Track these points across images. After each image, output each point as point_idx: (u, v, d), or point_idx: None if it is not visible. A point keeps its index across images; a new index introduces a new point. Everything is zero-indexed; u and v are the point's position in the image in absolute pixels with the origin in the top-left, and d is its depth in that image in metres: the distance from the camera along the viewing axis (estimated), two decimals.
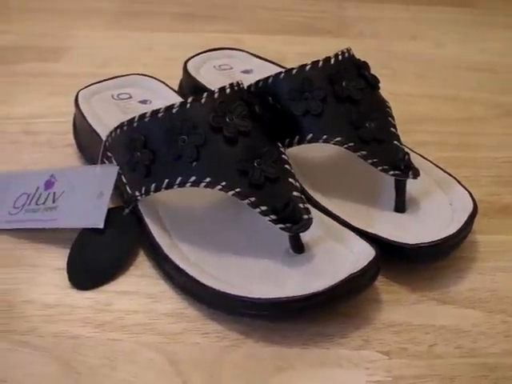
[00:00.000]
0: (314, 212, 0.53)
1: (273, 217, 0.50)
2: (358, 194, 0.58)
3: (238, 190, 0.50)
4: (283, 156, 0.53)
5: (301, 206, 0.50)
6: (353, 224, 0.54)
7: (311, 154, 0.63)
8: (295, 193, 0.51)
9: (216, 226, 0.56)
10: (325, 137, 0.56)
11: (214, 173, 0.50)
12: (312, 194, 0.58)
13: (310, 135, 0.56)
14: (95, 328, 0.49)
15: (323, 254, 0.51)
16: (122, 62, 0.85)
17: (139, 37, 0.93)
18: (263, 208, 0.50)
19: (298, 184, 0.52)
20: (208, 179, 0.50)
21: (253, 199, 0.50)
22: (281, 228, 0.50)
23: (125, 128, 0.54)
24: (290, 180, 0.52)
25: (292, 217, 0.50)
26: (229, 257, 0.52)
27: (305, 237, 0.52)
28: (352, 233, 0.52)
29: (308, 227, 0.50)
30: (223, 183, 0.50)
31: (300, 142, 0.57)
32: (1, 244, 0.56)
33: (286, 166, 0.52)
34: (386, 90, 0.60)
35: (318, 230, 0.53)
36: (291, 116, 0.56)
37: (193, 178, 0.51)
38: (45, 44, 0.89)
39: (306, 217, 0.50)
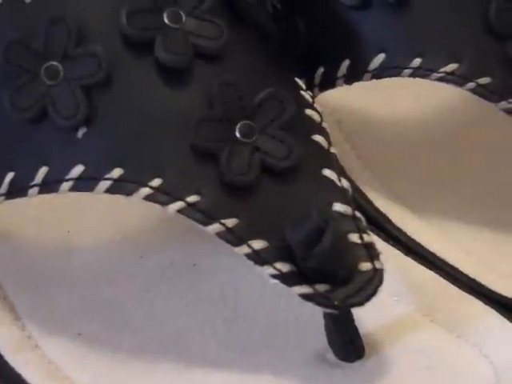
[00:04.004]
0: (389, 252, 0.29)
1: (280, 267, 0.25)
2: (481, 210, 0.33)
3: (192, 199, 0.26)
4: (309, 112, 0.28)
5: (353, 236, 0.26)
6: (481, 281, 0.30)
7: (381, 123, 0.36)
8: (337, 204, 0.27)
9: (134, 299, 0.30)
10: (418, 61, 0.30)
11: (132, 157, 0.26)
12: (385, 209, 0.32)
13: (382, 56, 0.30)
14: None
15: (414, 363, 0.27)
16: None
17: None
18: (256, 244, 0.26)
19: (345, 184, 0.28)
20: (118, 172, 0.26)
21: (231, 222, 0.26)
22: (302, 296, 0.25)
23: None
24: (326, 173, 0.27)
25: (329, 265, 0.25)
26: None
27: (365, 320, 0.27)
28: (483, 307, 0.28)
29: (373, 293, 0.25)
30: (156, 183, 0.26)
31: (353, 77, 0.31)
32: None
33: (316, 138, 0.28)
34: None
35: (400, 302, 0.28)
36: (331, 13, 0.31)
37: (77, 169, 0.26)
38: None
39: (366, 267, 0.26)
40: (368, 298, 0.25)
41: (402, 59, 0.29)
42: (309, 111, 0.28)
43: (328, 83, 0.30)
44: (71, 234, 0.31)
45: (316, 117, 0.28)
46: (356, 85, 0.31)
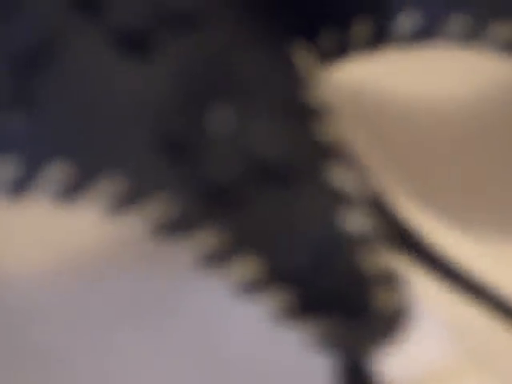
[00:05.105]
0: (418, 278, 0.24)
1: (275, 295, 0.22)
2: None
3: (159, 206, 0.22)
4: (309, 94, 0.24)
5: (369, 258, 0.22)
6: None
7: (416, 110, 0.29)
8: (347, 215, 0.22)
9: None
10: (462, 21, 0.24)
11: (79, 149, 0.21)
12: (415, 220, 0.26)
13: (411, 14, 0.24)
14: None
15: None
16: None
17: None
18: (244, 265, 0.22)
19: (358, 188, 0.23)
20: (60, 168, 0.22)
21: (210, 236, 0.22)
22: (304, 335, 0.22)
23: None
24: (331, 173, 0.23)
25: (338, 298, 0.22)
26: None
27: (389, 372, 0.22)
28: None
29: (396, 336, 0.21)
30: (110, 183, 0.21)
31: (372, 44, 0.25)
32: None
33: (318, 128, 0.23)
34: None
35: (435, 347, 0.23)
36: None
37: (6, 165, 0.22)
38: None
39: (386, 301, 0.22)
40: (391, 342, 0.20)
41: (438, 18, 0.23)
42: (310, 92, 0.23)
43: (337, 51, 0.24)
44: None
45: (320, 100, 0.23)
46: (381, 58, 0.25)
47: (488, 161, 0.28)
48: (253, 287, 0.20)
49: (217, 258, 0.20)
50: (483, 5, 0.23)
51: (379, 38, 0.24)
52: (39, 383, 0.22)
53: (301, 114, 0.23)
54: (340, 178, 0.22)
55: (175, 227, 0.20)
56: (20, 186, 0.20)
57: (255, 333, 0.22)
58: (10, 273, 0.25)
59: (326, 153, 0.22)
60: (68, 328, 0.23)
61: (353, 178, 0.22)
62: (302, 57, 0.24)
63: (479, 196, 0.27)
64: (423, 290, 0.22)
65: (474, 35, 0.23)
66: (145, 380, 0.22)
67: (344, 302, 0.21)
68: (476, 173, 0.27)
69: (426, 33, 0.24)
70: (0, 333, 0.23)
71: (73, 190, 0.20)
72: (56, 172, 0.20)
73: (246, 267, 0.20)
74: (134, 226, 0.22)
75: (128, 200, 0.20)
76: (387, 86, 0.28)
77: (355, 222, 0.21)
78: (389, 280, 0.21)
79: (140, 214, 0.20)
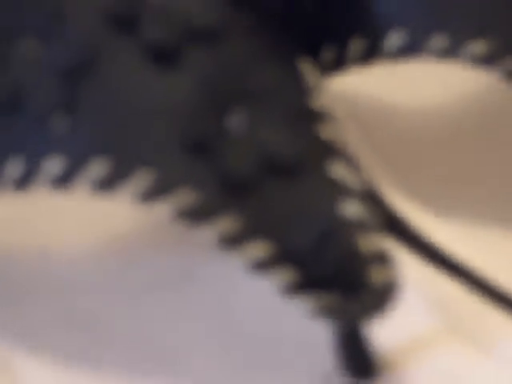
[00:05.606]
0: (407, 259, 0.25)
1: (284, 274, 0.23)
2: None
3: (185, 196, 0.23)
4: (314, 100, 0.25)
5: (365, 241, 0.23)
6: None
7: (403, 115, 0.31)
8: (347, 204, 0.24)
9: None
10: (442, 39, 0.26)
11: (117, 149, 0.23)
12: (404, 210, 0.28)
13: (399, 33, 0.26)
14: None
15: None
16: None
17: None
18: (257, 248, 0.23)
19: (357, 181, 0.24)
20: (101, 165, 0.23)
21: (228, 222, 0.23)
22: (308, 308, 0.23)
23: None
24: (334, 168, 0.24)
25: (338, 275, 0.23)
26: None
27: (381, 338, 0.24)
28: None
29: (388, 307, 0.23)
30: (143, 177, 0.23)
31: (366, 58, 0.27)
32: None
33: (323, 129, 0.25)
34: None
35: (420, 318, 0.25)
36: None
37: (56, 162, 0.23)
38: None
39: (381, 277, 0.23)
40: (383, 313, 0.22)
41: (422, 37, 0.25)
42: (315, 99, 0.25)
43: (336, 65, 0.27)
44: (47, 239, 0.27)
45: (323, 105, 0.25)
46: (372, 70, 0.27)
47: (464, 157, 0.29)
48: (263, 265, 0.22)
49: (233, 241, 0.22)
50: (460, 25, 0.25)
51: (371, 53, 0.26)
52: (83, 344, 0.24)
53: (306, 117, 0.25)
54: (340, 172, 0.24)
55: (198, 214, 0.22)
56: (66, 179, 0.23)
57: (264, 303, 0.24)
58: (59, 249, 0.27)
59: (329, 150, 0.24)
60: (108, 296, 0.25)
61: (351, 172, 0.24)
62: (307, 69, 0.26)
63: (457, 187, 0.28)
64: (409, 268, 0.24)
65: (452, 51, 0.25)
66: (173, 338, 0.24)
67: (342, 278, 0.22)
68: (453, 168, 0.29)
69: (411, 49, 0.26)
70: (50, 299, 0.25)
71: (110, 183, 0.22)
72: (96, 167, 0.22)
73: (257, 248, 0.22)
74: (163, 212, 0.23)
75: (158, 191, 0.22)
76: (378, 94, 0.30)
77: (353, 209, 0.23)
78: (381, 259, 0.23)
79: (168, 202, 0.22)
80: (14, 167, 0.23)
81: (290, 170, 0.23)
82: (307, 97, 0.25)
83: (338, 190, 0.23)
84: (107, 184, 0.23)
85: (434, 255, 0.26)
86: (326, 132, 0.25)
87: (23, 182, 0.24)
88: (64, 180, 0.23)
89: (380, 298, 0.22)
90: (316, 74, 0.26)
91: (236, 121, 0.23)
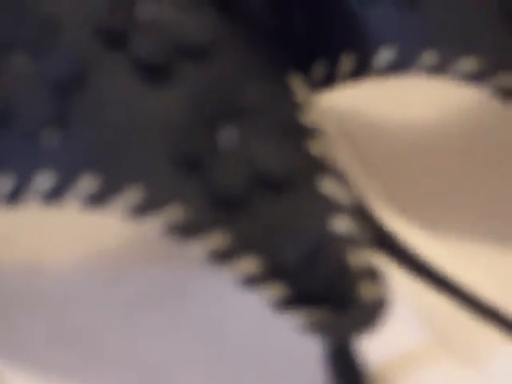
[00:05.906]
0: (397, 274, 0.26)
1: (274, 289, 0.23)
2: (500, 226, 0.29)
3: (176, 211, 0.23)
4: (304, 116, 0.25)
5: (354, 257, 0.23)
6: (502, 306, 0.26)
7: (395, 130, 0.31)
8: (337, 220, 0.23)
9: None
10: (431, 56, 0.26)
11: (108, 165, 0.23)
12: (394, 225, 0.27)
13: (388, 50, 0.26)
14: None
15: None
16: None
17: None
18: (247, 262, 0.23)
19: (346, 197, 0.24)
20: (91, 180, 0.23)
21: (218, 238, 0.23)
22: (299, 323, 0.22)
23: None
24: (324, 184, 0.24)
25: (327, 290, 0.23)
26: None
27: (371, 354, 0.24)
28: (504, 337, 0.25)
29: (378, 323, 0.22)
30: (135, 193, 0.23)
31: (355, 75, 0.26)
32: None
33: (313, 145, 0.25)
34: None
35: (410, 333, 0.25)
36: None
37: (46, 177, 0.23)
38: None
39: (370, 293, 0.23)
40: (372, 329, 0.22)
41: (412, 54, 0.25)
42: (305, 115, 0.25)
43: (326, 81, 0.26)
44: (36, 254, 0.27)
45: (313, 121, 0.25)
46: (362, 86, 0.27)
47: (453, 173, 0.29)
48: (253, 281, 0.22)
49: (223, 256, 0.22)
50: (450, 42, 0.25)
51: (362, 69, 0.26)
52: (73, 359, 0.24)
53: (297, 133, 0.24)
54: (330, 187, 0.23)
55: (188, 229, 0.22)
56: (56, 194, 0.23)
57: (255, 318, 0.24)
58: (48, 264, 0.26)
59: (319, 166, 0.24)
60: (98, 311, 0.25)
61: (341, 188, 0.24)
62: (298, 85, 0.25)
63: (447, 203, 0.28)
64: (398, 284, 0.24)
65: (442, 68, 0.25)
66: (163, 353, 0.24)
67: (332, 294, 0.22)
68: (443, 184, 0.29)
69: (401, 65, 0.26)
70: (39, 315, 0.25)
71: (101, 198, 0.22)
72: (87, 182, 0.22)
73: (247, 264, 0.22)
74: (153, 227, 0.23)
75: (148, 206, 0.22)
76: (368, 110, 0.30)
77: (343, 225, 0.23)
78: (371, 275, 0.22)
79: (159, 218, 0.22)
80: (4, 182, 0.23)
81: (280, 185, 0.23)
82: (297, 113, 0.25)
83: (328, 205, 0.23)
84: (98, 199, 0.22)
85: (424, 270, 0.26)
86: (316, 148, 0.24)
87: (13, 197, 0.23)
88: (54, 195, 0.23)
89: (370, 313, 0.22)
90: (306, 90, 0.26)
91: (226, 137, 0.23)
